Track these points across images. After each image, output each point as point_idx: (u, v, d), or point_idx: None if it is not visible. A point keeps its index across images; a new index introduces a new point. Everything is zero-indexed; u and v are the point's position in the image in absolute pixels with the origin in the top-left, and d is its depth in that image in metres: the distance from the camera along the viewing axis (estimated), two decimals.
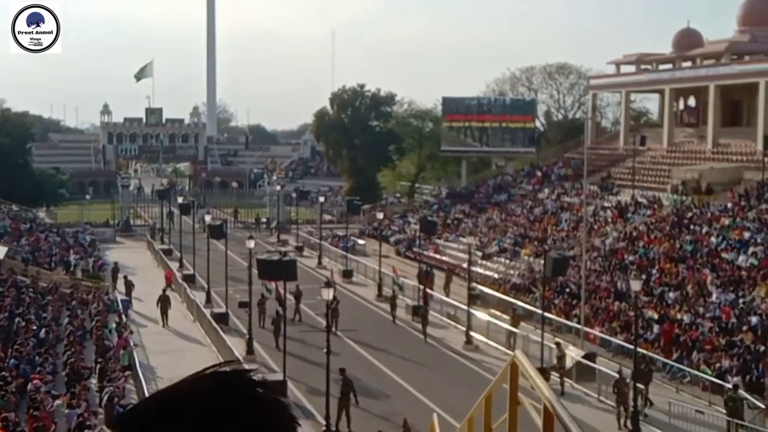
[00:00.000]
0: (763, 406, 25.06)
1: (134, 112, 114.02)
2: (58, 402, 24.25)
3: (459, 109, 68.89)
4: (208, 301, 41.54)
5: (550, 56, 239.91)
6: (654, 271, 37.82)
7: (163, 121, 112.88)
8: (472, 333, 35.20)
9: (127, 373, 28.99)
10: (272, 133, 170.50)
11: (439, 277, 45.31)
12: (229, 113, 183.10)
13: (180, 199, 60.44)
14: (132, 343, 32.33)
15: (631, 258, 40.40)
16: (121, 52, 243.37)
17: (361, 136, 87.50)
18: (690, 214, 42.94)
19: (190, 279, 46.66)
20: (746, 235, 37.96)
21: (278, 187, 74.33)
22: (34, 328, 32.71)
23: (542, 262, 35.06)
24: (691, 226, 41.33)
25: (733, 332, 30.78)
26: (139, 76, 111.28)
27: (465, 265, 39.73)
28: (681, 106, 61.23)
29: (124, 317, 37.37)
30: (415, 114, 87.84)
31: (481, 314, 37.13)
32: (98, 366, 28.79)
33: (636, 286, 29.37)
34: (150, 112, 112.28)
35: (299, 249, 58.49)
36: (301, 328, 36.41)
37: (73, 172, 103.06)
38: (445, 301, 41.16)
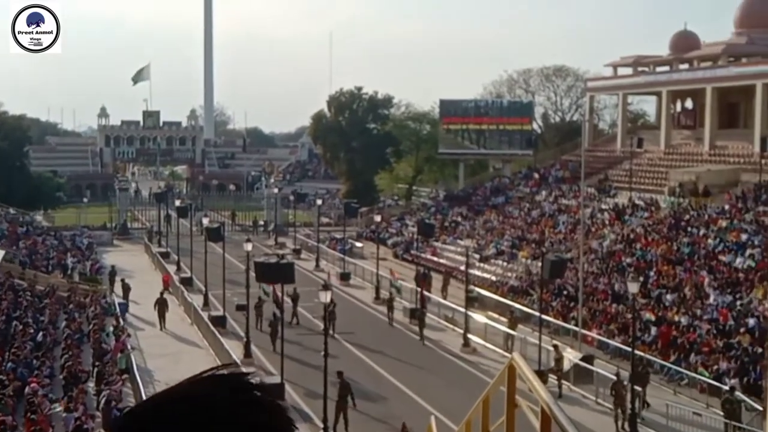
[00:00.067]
0: (760, 408, 25.04)
1: (131, 115, 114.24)
2: (56, 406, 24.19)
3: (456, 112, 68.90)
4: (206, 304, 41.52)
5: (548, 58, 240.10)
6: (651, 273, 37.83)
7: (161, 124, 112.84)
8: (469, 335, 35.19)
9: (125, 376, 28.93)
10: (270, 136, 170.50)
11: (437, 280, 45.33)
12: (226, 116, 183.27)
13: (177, 202, 60.38)
14: (129, 347, 32.29)
15: (628, 260, 40.42)
16: (119, 55, 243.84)
17: (358, 138, 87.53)
18: (687, 216, 42.98)
19: (187, 282, 46.62)
20: (743, 237, 37.99)
21: (276, 190, 74.29)
22: (32, 331, 32.68)
23: (540, 264, 35.07)
24: (689, 228, 41.36)
25: (731, 334, 30.79)
26: (137, 79, 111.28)
27: (462, 268, 39.75)
28: (678, 108, 61.30)
29: (121, 320, 37.34)
30: (413, 116, 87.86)
31: (478, 317, 37.13)
32: (96, 369, 28.76)
33: (633, 288, 29.38)
34: (147, 115, 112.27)
35: (297, 252, 58.47)
36: (298, 330, 36.40)
37: (70, 175, 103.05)
38: (442, 304, 41.14)
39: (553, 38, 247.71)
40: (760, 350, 28.85)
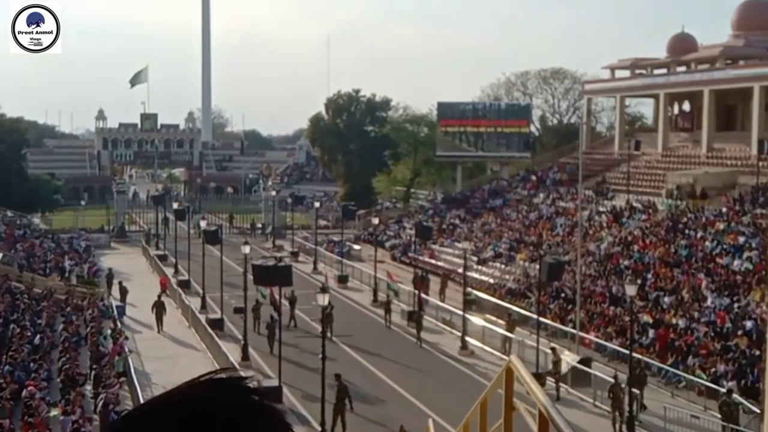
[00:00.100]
0: (758, 411, 25.05)
1: (129, 118, 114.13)
2: (51, 410, 24.11)
3: (454, 114, 68.97)
4: (203, 306, 41.48)
5: (545, 61, 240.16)
6: (649, 276, 37.86)
7: (158, 126, 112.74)
8: (467, 338, 35.18)
9: (122, 379, 28.92)
10: (267, 139, 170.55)
11: (435, 282, 45.34)
12: (224, 119, 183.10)
13: (175, 205, 60.43)
14: (127, 350, 32.26)
15: (626, 263, 40.44)
16: (116, 57, 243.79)
17: (356, 141, 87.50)
18: (685, 219, 43.02)
19: (185, 285, 46.58)
20: (741, 239, 38.02)
21: (273, 193, 74.28)
22: (29, 334, 32.64)
23: (537, 267, 35.06)
24: (686, 231, 41.39)
25: (728, 337, 30.81)
26: (134, 81, 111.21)
27: (460, 270, 39.76)
28: (675, 110, 61.35)
29: (119, 323, 37.30)
30: (411, 119, 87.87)
31: (476, 319, 37.14)
32: (93, 372, 28.73)
33: (631, 290, 29.38)
34: (145, 117, 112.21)
35: (295, 254, 58.47)
36: (296, 333, 36.39)
37: (68, 177, 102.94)
38: (440, 306, 41.14)
39: (551, 41, 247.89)
40: (757, 353, 28.85)
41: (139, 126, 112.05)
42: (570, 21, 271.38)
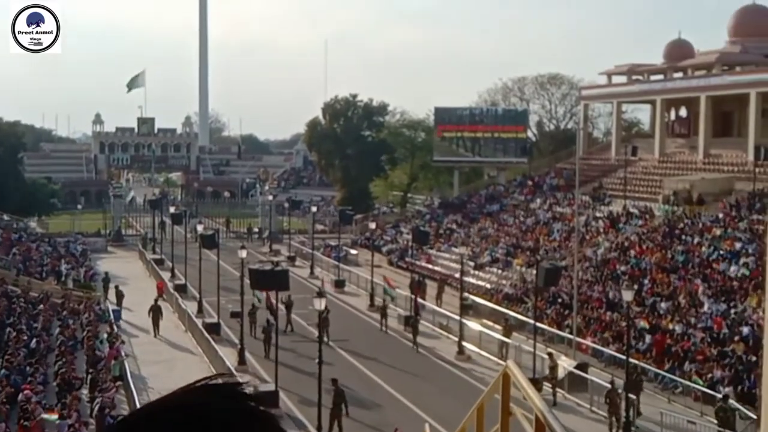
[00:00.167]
0: (754, 417, 25.06)
1: (126, 122, 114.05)
2: (44, 416, 24.03)
3: (451, 119, 69.01)
4: (200, 311, 41.45)
5: (542, 66, 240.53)
6: (646, 282, 37.87)
7: (155, 130, 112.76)
8: (464, 343, 35.18)
9: (118, 383, 28.90)
10: (264, 143, 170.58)
11: (432, 287, 45.32)
12: (221, 123, 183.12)
13: (172, 209, 60.32)
14: (123, 354, 32.23)
15: (623, 268, 40.46)
16: (114, 61, 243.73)
17: (353, 146, 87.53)
18: (681, 225, 43.04)
19: (181, 289, 46.58)
20: (737, 245, 38.05)
21: (270, 197, 74.29)
22: (25, 338, 32.59)
23: (534, 272, 35.07)
24: (683, 237, 41.42)
25: (725, 342, 30.82)
26: (131, 85, 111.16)
27: (457, 275, 39.72)
28: (672, 116, 61.46)
29: (115, 327, 37.27)
30: (408, 124, 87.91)
31: (473, 324, 37.13)
32: (89, 376, 28.69)
33: (628, 296, 29.38)
34: (142, 121, 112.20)
35: (291, 259, 58.48)
36: (292, 338, 36.37)
37: (64, 181, 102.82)
38: (437, 311, 41.15)
39: (548, 46, 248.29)
40: (754, 358, 28.85)
41: (136, 130, 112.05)
42: (567, 26, 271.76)
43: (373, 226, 57.04)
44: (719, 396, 26.13)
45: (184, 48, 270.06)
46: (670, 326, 33.23)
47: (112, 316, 39.59)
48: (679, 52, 59.58)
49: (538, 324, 33.41)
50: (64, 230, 69.39)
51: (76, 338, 34.96)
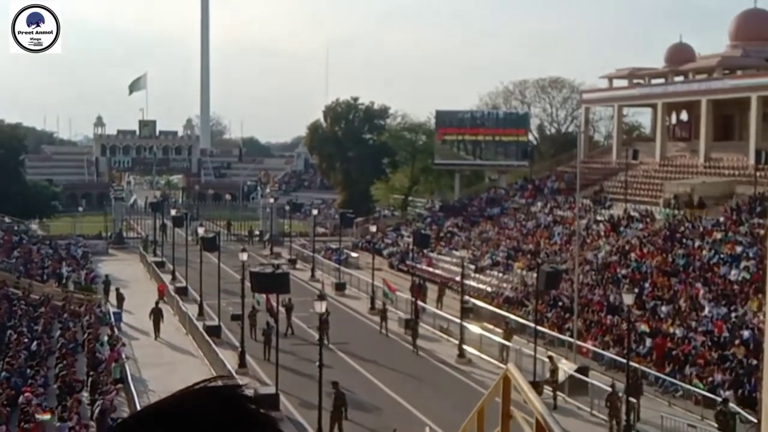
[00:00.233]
0: (755, 421, 25.04)
1: (128, 125, 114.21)
2: (43, 416, 23.99)
3: (452, 123, 69.05)
4: (201, 313, 41.43)
5: (544, 70, 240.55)
6: (646, 285, 37.86)
7: (157, 133, 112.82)
8: (464, 346, 35.15)
9: (119, 386, 28.89)
10: (266, 146, 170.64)
11: (432, 290, 45.32)
12: (222, 126, 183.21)
13: (173, 212, 60.36)
14: (124, 356, 32.22)
15: (623, 271, 40.45)
16: (115, 64, 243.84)
17: (354, 148, 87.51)
18: (682, 228, 43.04)
19: (182, 291, 46.56)
20: (738, 249, 38.04)
21: (271, 200, 74.24)
22: (26, 340, 32.60)
23: (535, 275, 35.06)
24: (684, 240, 41.41)
25: (726, 346, 30.80)
26: (133, 88, 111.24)
27: (458, 278, 39.71)
28: (673, 120, 61.45)
29: (116, 330, 37.26)
30: (409, 127, 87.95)
31: (473, 327, 37.10)
32: (90, 379, 28.67)
33: (628, 299, 29.37)
34: (143, 124, 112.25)
35: (292, 262, 58.44)
36: (293, 341, 36.34)
37: (66, 184, 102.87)
38: (437, 314, 41.11)
39: (549, 50, 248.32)
40: (754, 362, 28.85)
41: (138, 133, 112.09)
42: (568, 30, 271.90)
43: (373, 229, 57.07)
44: (720, 400, 26.11)
45: (185, 50, 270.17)
46: (671, 330, 33.22)
47: (112, 319, 39.57)
48: (680, 55, 59.59)
49: (539, 327, 33.38)
50: (65, 233, 69.42)
51: (77, 341, 34.95)
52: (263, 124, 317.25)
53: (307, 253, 60.33)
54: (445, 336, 38.34)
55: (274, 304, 33.02)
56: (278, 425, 1.39)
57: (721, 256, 38.11)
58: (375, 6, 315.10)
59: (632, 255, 42.07)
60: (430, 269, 50.87)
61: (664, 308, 35.17)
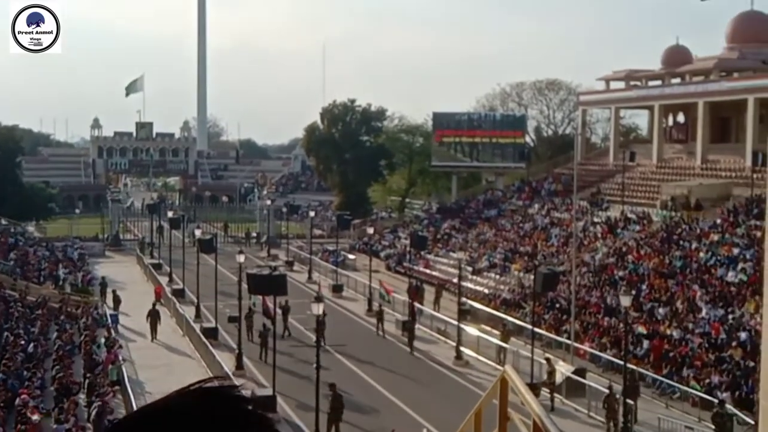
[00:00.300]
0: (752, 422, 25.05)
1: (124, 127, 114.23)
2: (36, 417, 23.94)
3: (449, 125, 69.07)
4: (198, 315, 41.42)
5: (540, 72, 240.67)
6: (644, 287, 37.88)
7: (154, 135, 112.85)
8: (462, 348, 35.15)
9: (116, 388, 28.86)
10: (263, 148, 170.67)
11: (429, 292, 45.31)
12: (219, 128, 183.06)
13: (170, 214, 60.30)
14: (121, 358, 32.18)
15: (620, 273, 40.47)
16: (112, 66, 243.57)
17: (351, 150, 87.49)
18: (679, 230, 43.07)
19: (179, 293, 46.53)
20: (735, 251, 38.07)
21: (268, 202, 74.27)
22: (23, 342, 32.55)
23: (532, 277, 35.10)
24: (681, 242, 41.45)
25: (723, 348, 30.83)
26: (130, 90, 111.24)
27: (455, 280, 39.73)
28: (670, 122, 61.50)
29: (113, 332, 37.22)
30: (406, 129, 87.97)
31: (471, 329, 37.11)
32: (87, 381, 28.63)
33: (626, 301, 29.40)
34: (140, 126, 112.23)
35: (289, 264, 58.42)
36: (290, 342, 36.33)
37: (62, 186, 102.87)
38: (435, 316, 41.11)
39: (546, 52, 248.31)
40: (751, 364, 28.85)
41: (135, 135, 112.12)
42: (565, 32, 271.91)
43: (371, 231, 57.04)
44: (717, 401, 26.12)
45: (182, 52, 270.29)
46: (668, 332, 33.24)
47: (109, 321, 39.53)
48: (677, 57, 59.65)
49: (536, 329, 33.36)
50: (61, 235, 69.38)
51: (74, 343, 34.91)
52: (260, 126, 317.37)
53: (304, 255, 60.34)
54: (443, 338, 38.34)
55: (271, 305, 33.02)
56: (275, 426, 1.38)
57: (718, 257, 38.15)
58: (372, 8, 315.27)
59: (629, 257, 42.09)
60: (428, 271, 50.86)
61: (661, 310, 35.20)
